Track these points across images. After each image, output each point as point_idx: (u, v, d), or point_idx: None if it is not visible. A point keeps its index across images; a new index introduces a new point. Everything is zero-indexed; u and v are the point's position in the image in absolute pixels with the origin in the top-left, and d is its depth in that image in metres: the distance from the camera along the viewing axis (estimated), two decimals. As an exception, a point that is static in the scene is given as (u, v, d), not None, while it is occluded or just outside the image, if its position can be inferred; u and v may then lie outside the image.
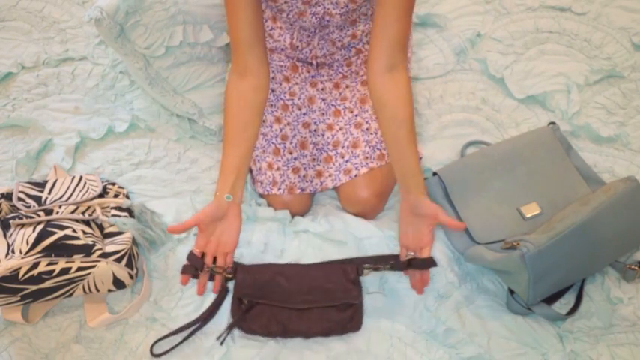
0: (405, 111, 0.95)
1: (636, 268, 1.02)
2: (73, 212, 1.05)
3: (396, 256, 1.03)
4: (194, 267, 0.99)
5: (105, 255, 0.98)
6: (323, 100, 1.15)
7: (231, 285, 1.02)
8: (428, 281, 1.00)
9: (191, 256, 0.99)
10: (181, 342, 0.96)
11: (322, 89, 1.15)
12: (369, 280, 1.04)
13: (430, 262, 0.99)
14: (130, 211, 1.09)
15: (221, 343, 0.96)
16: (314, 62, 1.13)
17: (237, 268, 1.01)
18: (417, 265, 0.99)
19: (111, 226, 1.05)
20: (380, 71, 0.95)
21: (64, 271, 0.95)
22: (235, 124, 0.99)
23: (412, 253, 1.01)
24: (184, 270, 0.99)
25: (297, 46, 1.09)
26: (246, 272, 1.01)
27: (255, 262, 1.07)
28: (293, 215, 1.13)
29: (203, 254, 1.00)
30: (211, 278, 1.02)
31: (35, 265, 0.93)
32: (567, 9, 1.50)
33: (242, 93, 0.99)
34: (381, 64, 0.95)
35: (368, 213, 1.12)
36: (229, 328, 0.97)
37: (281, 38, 1.09)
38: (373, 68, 0.96)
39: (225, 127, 1.00)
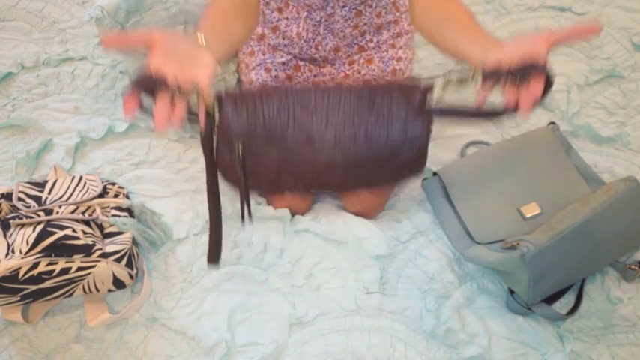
0: (466, 12, 0.84)
1: (636, 268, 1.02)
2: (73, 212, 1.05)
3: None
4: (148, 84, 0.60)
5: (105, 255, 0.98)
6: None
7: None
8: (538, 96, 0.65)
9: (142, 71, 0.61)
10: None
11: (323, 89, 1.15)
12: (369, 279, 1.04)
13: (544, 64, 0.63)
14: (130, 211, 1.09)
15: (242, 219, 0.74)
16: (317, 57, 1.13)
17: (221, 96, 0.66)
18: (526, 69, 0.63)
19: (111, 226, 1.05)
20: None
21: (64, 271, 0.95)
22: (212, 25, 0.76)
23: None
24: (131, 89, 0.60)
25: (304, 36, 1.09)
26: (239, 99, 0.65)
27: (255, 259, 1.07)
28: (293, 214, 1.13)
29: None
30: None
31: (35, 265, 0.93)
32: (567, 9, 1.50)
33: (226, 5, 0.82)
34: None
35: (369, 212, 1.12)
36: (242, 206, 0.71)
37: (288, 29, 1.10)
38: None
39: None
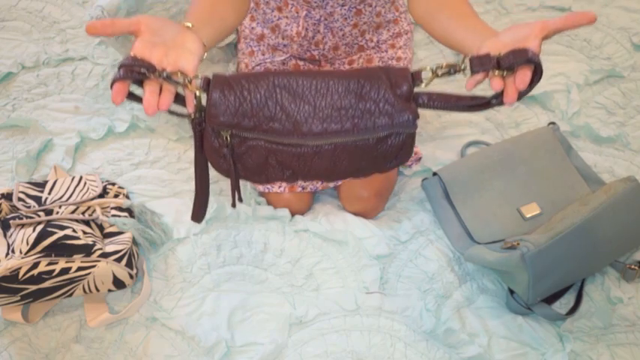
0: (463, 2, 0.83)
1: (636, 268, 1.02)
2: (73, 212, 1.05)
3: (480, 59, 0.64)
4: (136, 69, 0.60)
5: (105, 255, 0.97)
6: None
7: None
8: (527, 84, 0.63)
9: (130, 58, 0.61)
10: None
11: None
12: (369, 279, 1.04)
13: (533, 55, 0.62)
14: (130, 211, 1.09)
15: (233, 205, 0.75)
16: (317, 55, 1.13)
17: (209, 80, 0.66)
18: (513, 57, 0.62)
19: (111, 226, 1.05)
20: None
21: (64, 271, 0.95)
22: (202, 10, 0.77)
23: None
24: (120, 76, 0.60)
25: (303, 35, 1.09)
26: (227, 85, 0.65)
27: (255, 259, 1.07)
28: (293, 214, 1.13)
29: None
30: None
31: (35, 265, 0.93)
32: (567, 9, 1.50)
33: None
34: None
35: (368, 212, 1.12)
36: (233, 189, 0.73)
37: (288, 27, 1.10)
38: None
39: (187, 11, 0.78)
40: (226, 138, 0.67)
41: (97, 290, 0.99)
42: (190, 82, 0.63)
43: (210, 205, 1.11)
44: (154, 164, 1.22)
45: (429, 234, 1.11)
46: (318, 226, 1.09)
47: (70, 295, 0.98)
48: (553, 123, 1.20)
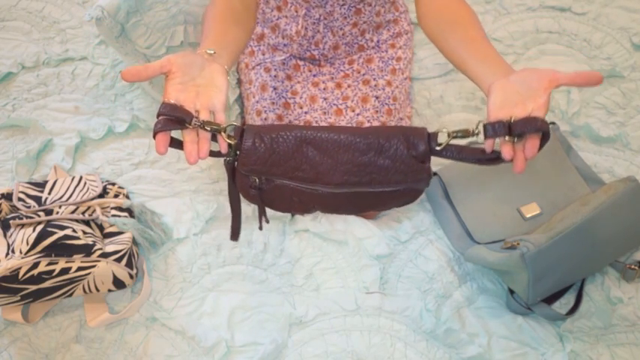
0: (471, 17, 0.87)
1: (636, 268, 1.02)
2: (73, 212, 1.05)
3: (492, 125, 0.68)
4: (176, 119, 0.66)
5: (105, 255, 0.97)
6: (325, 99, 1.15)
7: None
8: (535, 152, 0.68)
9: (167, 106, 0.66)
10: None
11: (324, 89, 1.15)
12: (369, 279, 1.04)
13: (542, 123, 0.66)
14: (130, 211, 1.09)
15: (260, 228, 0.87)
16: (317, 55, 1.13)
17: (243, 129, 0.72)
18: (524, 126, 0.66)
19: (111, 226, 1.05)
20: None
21: (64, 271, 0.95)
22: (216, 35, 0.82)
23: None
24: (161, 127, 0.66)
25: (303, 34, 1.09)
26: (258, 137, 0.72)
27: (255, 259, 1.07)
28: (293, 214, 1.13)
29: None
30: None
31: (35, 265, 0.93)
32: (567, 9, 1.50)
33: (226, 13, 0.87)
34: None
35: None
36: (260, 215, 0.83)
37: (287, 27, 1.10)
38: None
39: (203, 34, 0.84)
40: (255, 180, 0.75)
41: (97, 290, 0.99)
42: (225, 130, 0.69)
43: (210, 205, 1.12)
44: (154, 164, 1.22)
45: (429, 234, 1.11)
46: (318, 226, 1.09)
47: (70, 295, 0.98)
48: (553, 123, 1.20)
